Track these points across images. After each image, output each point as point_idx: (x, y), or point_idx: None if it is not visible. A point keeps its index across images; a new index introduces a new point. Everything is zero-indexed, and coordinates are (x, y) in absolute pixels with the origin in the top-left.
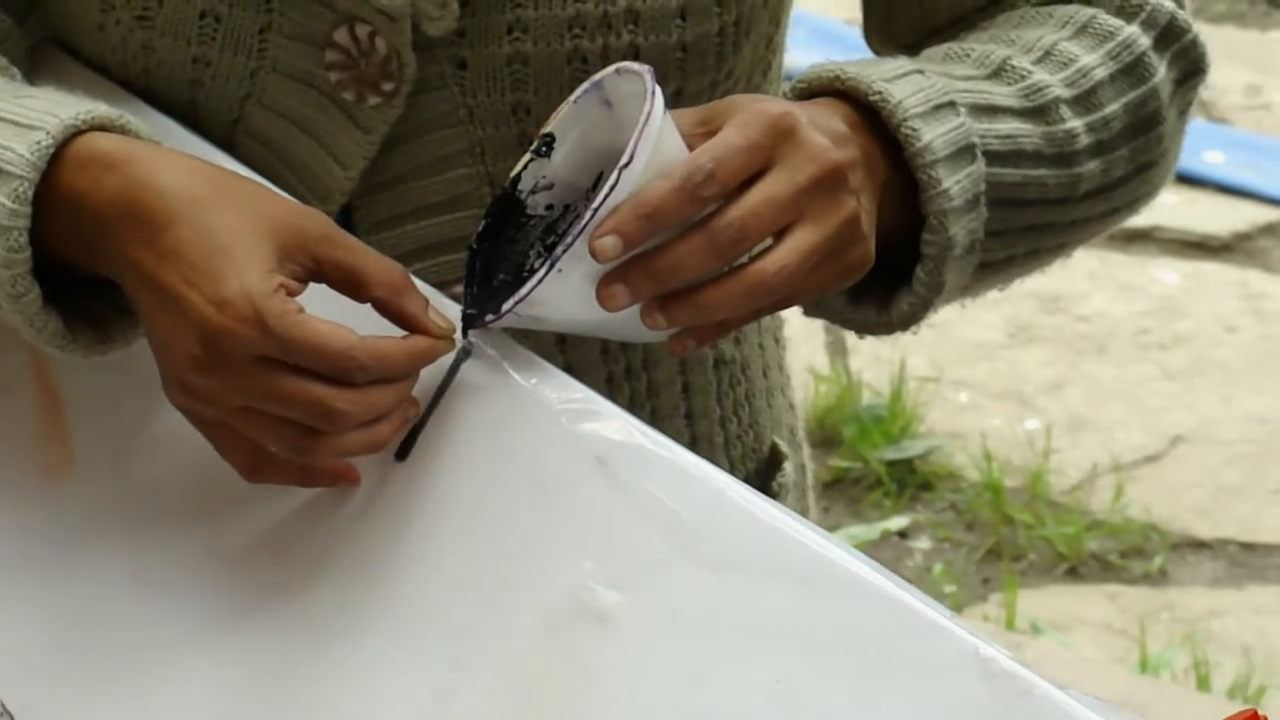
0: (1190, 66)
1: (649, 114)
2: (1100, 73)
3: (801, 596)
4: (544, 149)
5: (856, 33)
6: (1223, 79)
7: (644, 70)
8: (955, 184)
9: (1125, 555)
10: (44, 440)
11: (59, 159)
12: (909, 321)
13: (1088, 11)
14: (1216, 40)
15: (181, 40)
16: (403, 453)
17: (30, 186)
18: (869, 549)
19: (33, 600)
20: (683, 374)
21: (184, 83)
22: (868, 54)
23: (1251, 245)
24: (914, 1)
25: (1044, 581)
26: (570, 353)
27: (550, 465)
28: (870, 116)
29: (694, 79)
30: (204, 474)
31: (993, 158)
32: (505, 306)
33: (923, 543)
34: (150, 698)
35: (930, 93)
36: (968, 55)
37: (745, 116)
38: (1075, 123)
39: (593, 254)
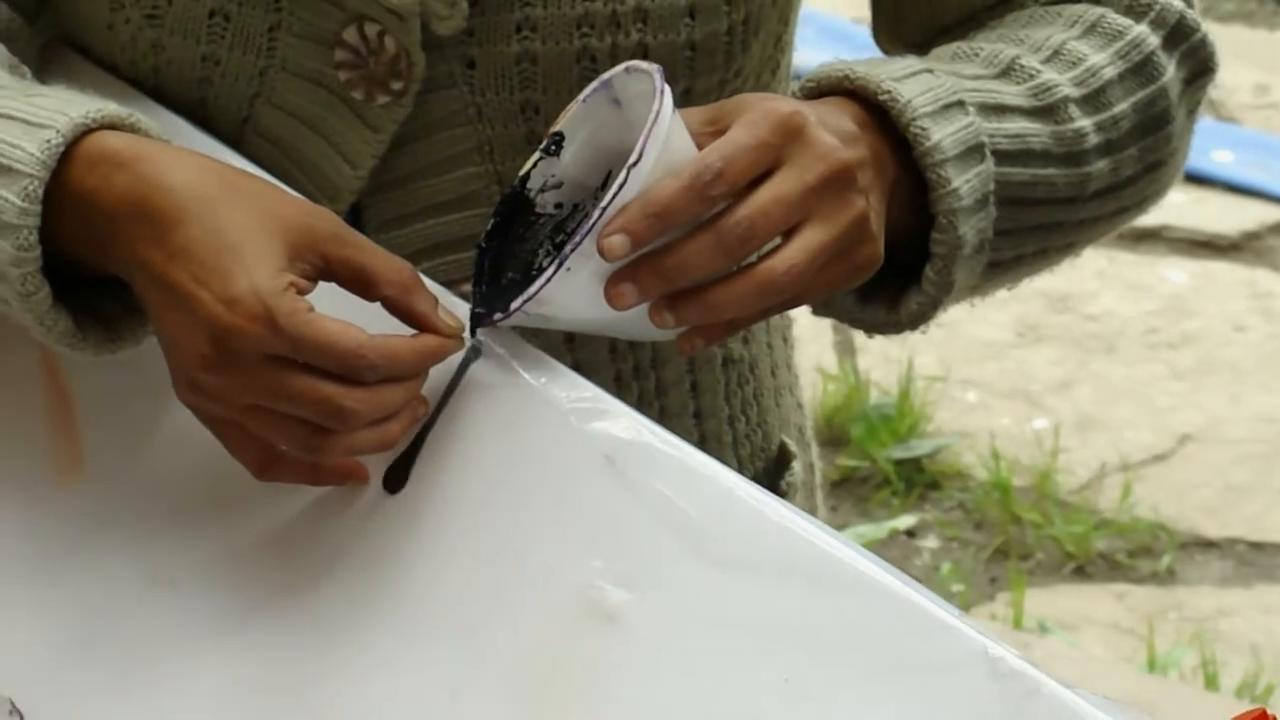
0: (1199, 65)
1: (657, 113)
2: (1109, 72)
3: (810, 595)
4: (553, 147)
5: (865, 32)
6: (1231, 78)
7: (653, 69)
8: (964, 183)
9: (1133, 554)
10: (54, 439)
11: (69, 157)
12: (918, 321)
13: (1096, 11)
14: (1225, 39)
15: (191, 39)
16: (396, 485)
17: (40, 185)
18: (877, 548)
19: (43, 599)
20: (691, 373)
21: (193, 81)
22: (876, 53)
23: (1260, 244)
24: (923, 1)
25: (1052, 581)
26: (579, 351)
27: (559, 464)
28: (879, 116)
29: (703, 78)
30: (214, 472)
31: (1002, 157)
32: (513, 305)
33: (930, 542)
34: (160, 696)
35: (939, 92)
36: (976, 54)
37: (754, 115)
38: (1084, 122)
39: (601, 253)
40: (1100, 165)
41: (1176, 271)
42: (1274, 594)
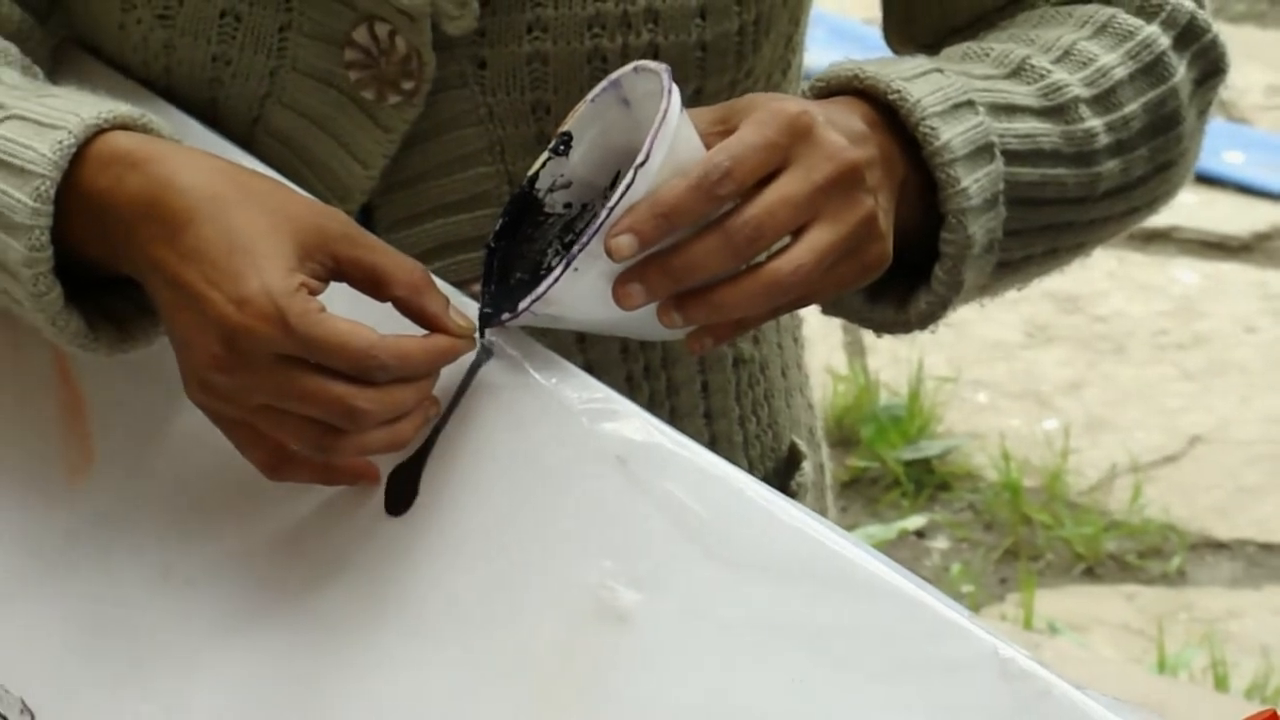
0: (1210, 66)
1: (665, 112)
2: (1120, 72)
3: (820, 596)
4: (562, 147)
5: (875, 32)
6: (1242, 79)
7: (661, 69)
8: (974, 183)
9: (1143, 555)
10: (66, 439)
11: (81, 158)
12: (927, 320)
13: (1107, 11)
14: (1236, 40)
15: (202, 39)
16: (400, 508)
17: (52, 185)
18: (887, 549)
19: (54, 598)
20: (702, 373)
21: (204, 81)
22: (887, 53)
23: (1271, 245)
24: (933, 1)
25: (1062, 581)
26: (590, 351)
27: (571, 464)
28: (889, 115)
29: (713, 78)
30: (225, 472)
31: (1011, 157)
32: (521, 305)
33: (940, 542)
34: (170, 695)
35: (949, 91)
36: (987, 54)
37: (762, 115)
38: (1094, 122)
39: (608, 253)
40: (1110, 165)
41: (1187, 272)
42: None
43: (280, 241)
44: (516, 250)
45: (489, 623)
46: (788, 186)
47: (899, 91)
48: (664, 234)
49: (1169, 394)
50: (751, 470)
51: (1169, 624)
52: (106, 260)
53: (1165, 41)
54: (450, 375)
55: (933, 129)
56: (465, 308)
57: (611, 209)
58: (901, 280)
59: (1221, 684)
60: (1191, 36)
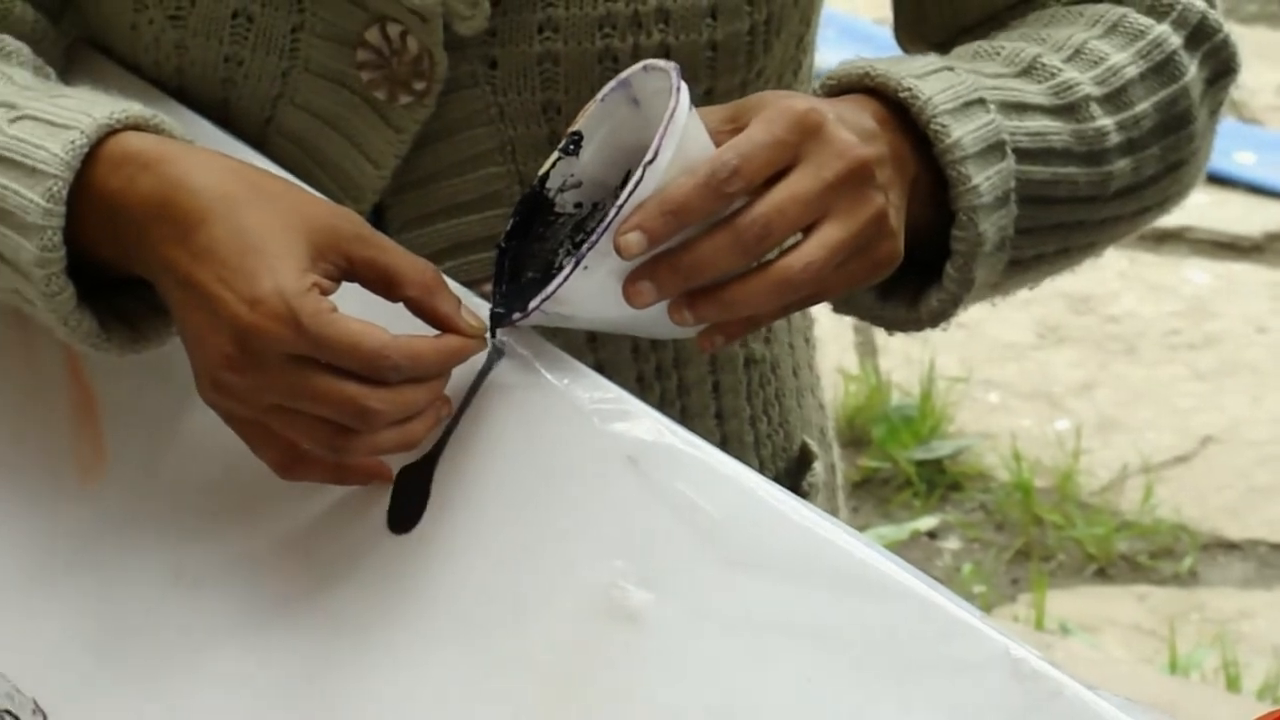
0: (1221, 66)
1: (674, 110)
2: (1131, 71)
3: (831, 596)
4: (572, 147)
5: (886, 32)
6: (1254, 79)
7: (670, 67)
8: (985, 180)
9: (1155, 556)
10: (78, 439)
11: (93, 158)
12: (938, 318)
13: (1118, 10)
14: (1248, 41)
15: (214, 40)
16: (405, 527)
17: (64, 186)
18: (898, 549)
19: (66, 599)
20: (713, 373)
21: (216, 82)
22: (898, 53)
23: None
24: (944, 1)
25: (1073, 582)
26: (601, 351)
27: (582, 464)
28: (900, 113)
29: (724, 78)
30: (237, 472)
31: (1023, 155)
32: (532, 305)
33: (952, 543)
34: (181, 695)
35: (960, 89)
36: (998, 53)
37: (771, 113)
38: (1105, 121)
39: (617, 250)
40: (1122, 164)
41: (1198, 273)
42: None
43: (293, 242)
44: (528, 250)
45: (499, 623)
46: (797, 184)
47: (910, 89)
48: (672, 231)
49: (1180, 394)
50: (762, 470)
51: (1181, 624)
52: (118, 260)
53: (1176, 41)
54: (462, 375)
55: (944, 126)
56: (476, 308)
57: (620, 207)
58: (913, 278)
59: (1233, 684)
60: (1202, 36)
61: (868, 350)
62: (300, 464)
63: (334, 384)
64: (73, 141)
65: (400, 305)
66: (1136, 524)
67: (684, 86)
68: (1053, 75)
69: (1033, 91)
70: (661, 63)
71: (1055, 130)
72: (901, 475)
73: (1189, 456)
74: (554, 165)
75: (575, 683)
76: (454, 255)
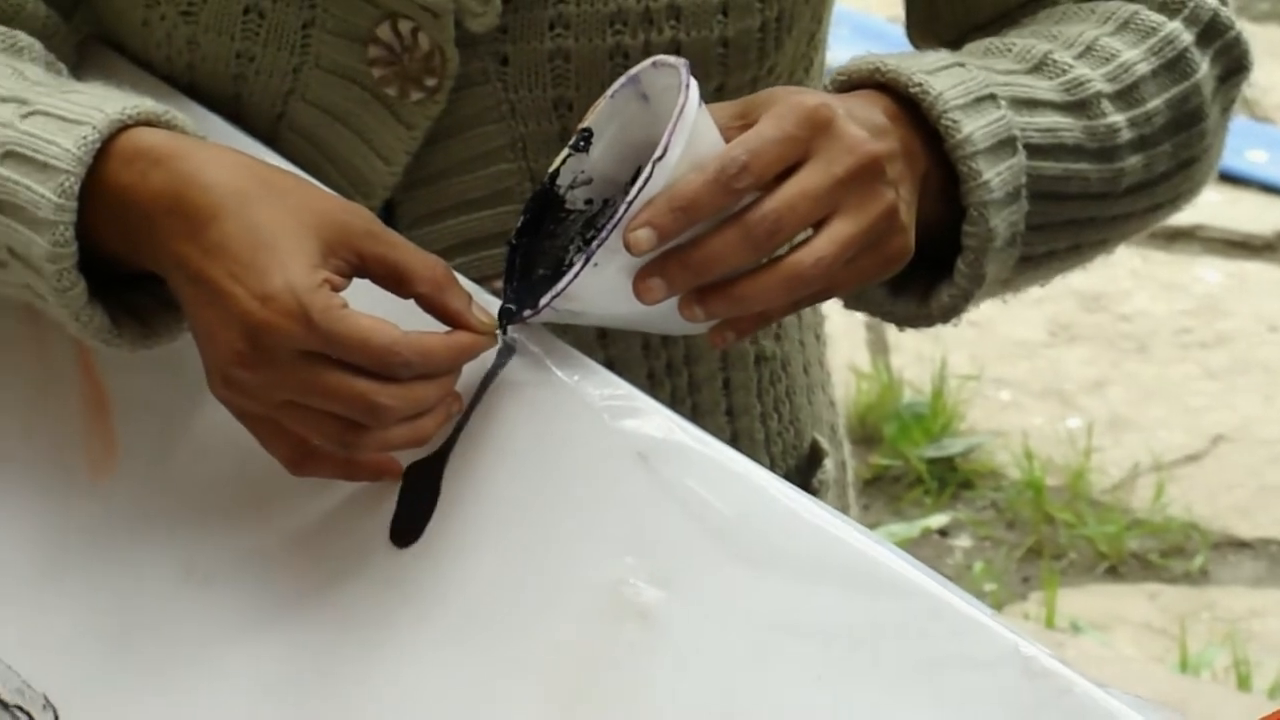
0: (1233, 64)
1: (683, 106)
2: (1142, 68)
3: (842, 594)
4: (582, 144)
5: (898, 30)
6: (1266, 78)
7: (679, 63)
8: (996, 176)
9: (1166, 554)
10: (89, 435)
11: (105, 154)
12: (949, 314)
13: (1130, 7)
14: (1260, 39)
15: (225, 35)
16: (411, 533)
17: (76, 181)
18: (909, 547)
19: (76, 594)
20: (724, 370)
21: (228, 78)
22: (910, 50)
23: None
24: None
25: (1084, 580)
26: (611, 348)
27: (592, 461)
28: (910, 109)
29: (736, 75)
30: (248, 468)
31: (1034, 151)
32: (542, 301)
33: (963, 541)
34: (192, 691)
35: (971, 85)
36: (1009, 50)
37: (781, 109)
38: (1117, 117)
39: (627, 247)
40: (1133, 161)
41: (1210, 271)
42: None
43: (304, 238)
44: (539, 247)
45: (509, 620)
46: (807, 179)
47: (920, 85)
48: (682, 227)
49: (1192, 393)
50: (773, 467)
51: (1191, 623)
52: (130, 256)
53: (1188, 38)
54: (472, 372)
55: (954, 122)
56: (487, 304)
57: (630, 203)
58: (924, 274)
59: (1244, 683)
60: (1214, 33)
61: (879, 347)
62: (311, 460)
63: (345, 380)
64: (84, 137)
65: (411, 302)
66: (1148, 522)
67: (693, 82)
68: (1064, 72)
69: (1044, 88)
70: (671, 59)
71: (1066, 126)
72: (913, 473)
73: (1200, 455)
74: (564, 162)
75: (586, 679)
76: (465, 252)
